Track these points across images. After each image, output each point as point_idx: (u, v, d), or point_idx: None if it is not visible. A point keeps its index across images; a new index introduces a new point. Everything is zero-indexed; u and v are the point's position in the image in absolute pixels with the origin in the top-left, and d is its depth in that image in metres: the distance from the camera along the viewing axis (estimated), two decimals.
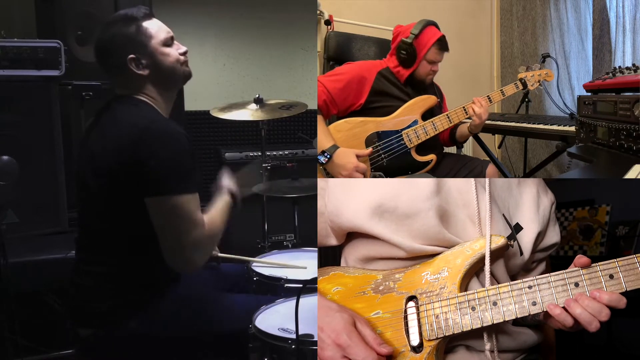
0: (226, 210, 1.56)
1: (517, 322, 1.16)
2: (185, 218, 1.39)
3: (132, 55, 1.49)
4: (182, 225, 1.39)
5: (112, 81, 1.57)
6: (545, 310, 0.99)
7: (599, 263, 1.00)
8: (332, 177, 1.92)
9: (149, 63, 1.51)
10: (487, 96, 2.19)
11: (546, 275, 1.01)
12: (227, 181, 1.62)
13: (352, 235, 1.18)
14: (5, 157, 2.08)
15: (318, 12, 3.17)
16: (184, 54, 1.57)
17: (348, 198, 1.13)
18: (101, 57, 1.54)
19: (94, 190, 1.46)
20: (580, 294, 0.98)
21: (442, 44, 2.14)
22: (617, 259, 0.99)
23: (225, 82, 3.61)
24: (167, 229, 1.40)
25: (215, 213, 1.52)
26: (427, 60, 2.14)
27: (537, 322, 1.17)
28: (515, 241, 1.13)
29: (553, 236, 1.23)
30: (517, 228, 1.15)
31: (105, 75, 1.57)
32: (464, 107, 2.16)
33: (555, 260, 1.33)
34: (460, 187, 1.13)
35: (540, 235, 1.19)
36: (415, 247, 1.08)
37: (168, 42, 1.54)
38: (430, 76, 2.19)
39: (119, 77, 1.54)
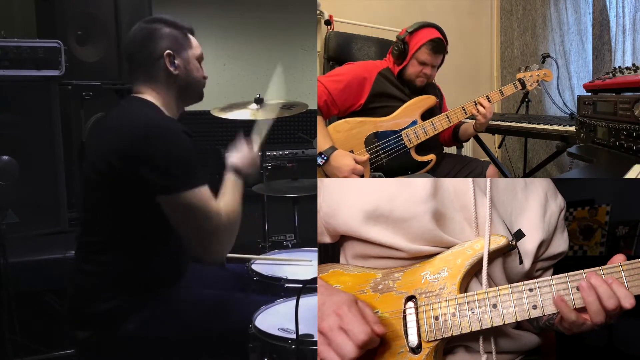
0: (238, 191, 1.53)
1: (522, 325, 1.15)
2: (200, 211, 1.39)
3: (169, 51, 1.53)
4: (200, 218, 1.39)
5: (135, 74, 1.56)
6: (545, 314, 0.98)
7: (603, 267, 0.98)
8: (327, 176, 1.92)
9: (181, 66, 1.56)
10: (486, 96, 2.18)
11: (547, 278, 0.99)
12: (230, 158, 1.58)
13: None
14: (5, 157, 2.08)
15: (318, 12, 3.17)
16: (205, 78, 1.64)
17: (342, 201, 1.12)
18: (137, 43, 1.54)
19: (99, 188, 1.46)
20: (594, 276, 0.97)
21: (434, 45, 2.08)
22: (622, 263, 0.98)
23: (225, 82, 3.61)
24: (185, 224, 1.41)
25: (229, 197, 1.50)
26: (418, 60, 2.11)
27: (549, 327, 1.15)
28: (516, 249, 1.10)
29: (560, 245, 1.19)
30: (519, 235, 1.11)
31: (131, 65, 1.56)
32: (463, 107, 2.16)
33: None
34: (458, 189, 1.11)
35: (544, 244, 1.15)
36: (415, 248, 1.07)
37: (200, 60, 1.62)
38: (420, 78, 2.14)
39: (144, 70, 1.54)
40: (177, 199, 1.37)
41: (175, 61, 1.55)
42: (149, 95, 1.53)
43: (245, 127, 1.70)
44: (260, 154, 1.63)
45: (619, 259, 0.99)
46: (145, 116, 1.45)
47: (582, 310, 0.97)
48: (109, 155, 1.41)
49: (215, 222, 1.41)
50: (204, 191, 1.40)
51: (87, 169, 1.51)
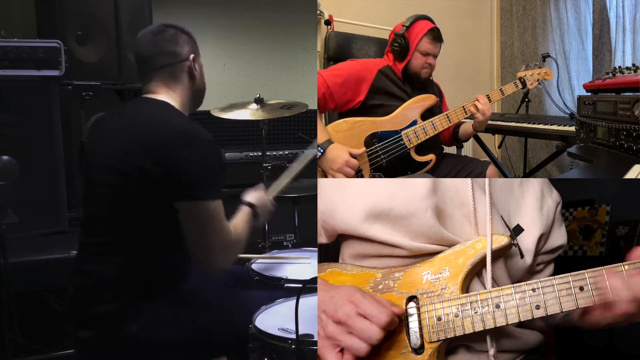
0: (248, 220, 1.60)
1: (533, 323, 1.14)
2: (215, 223, 1.41)
3: (194, 55, 1.57)
4: (212, 230, 1.41)
5: (154, 75, 1.54)
6: (548, 314, 0.98)
7: (605, 267, 0.98)
8: (324, 172, 1.92)
9: (198, 70, 1.59)
10: (487, 95, 2.19)
11: (550, 278, 0.99)
12: (247, 197, 1.65)
13: None
14: (5, 157, 2.08)
15: (318, 12, 3.17)
16: None
17: (341, 200, 1.11)
18: (159, 45, 1.54)
19: (110, 190, 1.45)
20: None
21: (434, 35, 2.15)
22: (624, 263, 0.97)
23: (225, 82, 3.61)
24: (197, 233, 1.42)
25: (239, 221, 1.56)
26: (420, 52, 2.14)
27: (565, 323, 1.14)
28: (516, 243, 1.10)
29: (558, 238, 1.20)
30: (518, 230, 1.12)
31: (150, 66, 1.54)
32: (463, 107, 2.16)
33: (556, 259, 1.32)
34: (457, 186, 1.11)
35: (543, 237, 1.16)
36: (416, 245, 1.07)
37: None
38: (425, 69, 2.18)
39: (167, 71, 1.54)
40: (198, 207, 1.39)
41: (196, 67, 1.58)
42: (166, 97, 1.53)
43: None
44: (275, 202, 1.72)
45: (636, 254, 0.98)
46: (174, 120, 1.46)
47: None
48: (134, 157, 1.39)
49: (226, 237, 1.44)
50: (221, 205, 1.42)
51: (93, 170, 1.50)
